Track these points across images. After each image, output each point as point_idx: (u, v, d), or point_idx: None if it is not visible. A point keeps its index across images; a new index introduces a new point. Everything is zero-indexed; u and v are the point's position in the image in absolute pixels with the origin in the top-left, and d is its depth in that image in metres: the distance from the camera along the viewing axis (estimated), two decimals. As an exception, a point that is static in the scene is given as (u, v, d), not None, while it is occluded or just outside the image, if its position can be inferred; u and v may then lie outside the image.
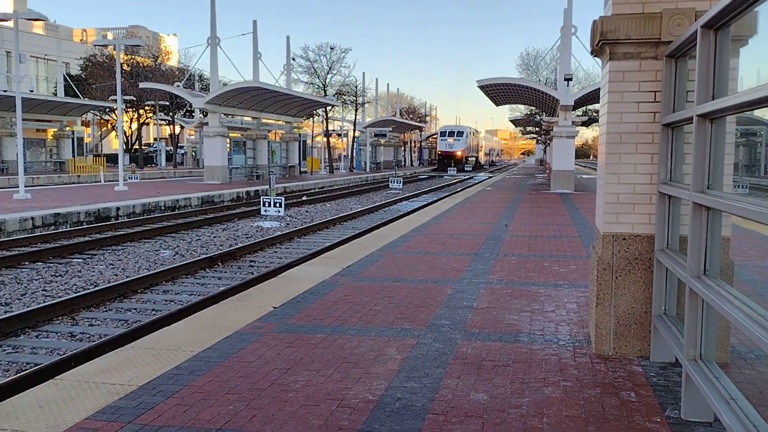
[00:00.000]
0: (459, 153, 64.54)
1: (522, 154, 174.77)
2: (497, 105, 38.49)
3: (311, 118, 55.58)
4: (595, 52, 5.05)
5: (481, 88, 28.77)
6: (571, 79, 26.03)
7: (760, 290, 7.30)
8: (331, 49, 51.14)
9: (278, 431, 3.62)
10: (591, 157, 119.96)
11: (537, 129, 58.98)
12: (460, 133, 66.16)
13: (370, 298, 6.87)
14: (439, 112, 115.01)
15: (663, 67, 4.55)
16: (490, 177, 47.96)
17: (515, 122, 63.20)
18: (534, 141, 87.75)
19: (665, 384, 4.30)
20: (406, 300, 6.82)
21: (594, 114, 42.29)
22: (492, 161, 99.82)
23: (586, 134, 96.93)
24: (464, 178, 50.83)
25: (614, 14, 4.69)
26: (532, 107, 46.18)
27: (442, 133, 67.99)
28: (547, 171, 42.41)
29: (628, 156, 4.76)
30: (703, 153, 3.50)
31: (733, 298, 3.00)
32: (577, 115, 34.07)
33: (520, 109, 56.54)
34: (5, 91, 35.90)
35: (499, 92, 31.68)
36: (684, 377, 3.68)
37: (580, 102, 29.84)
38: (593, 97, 26.97)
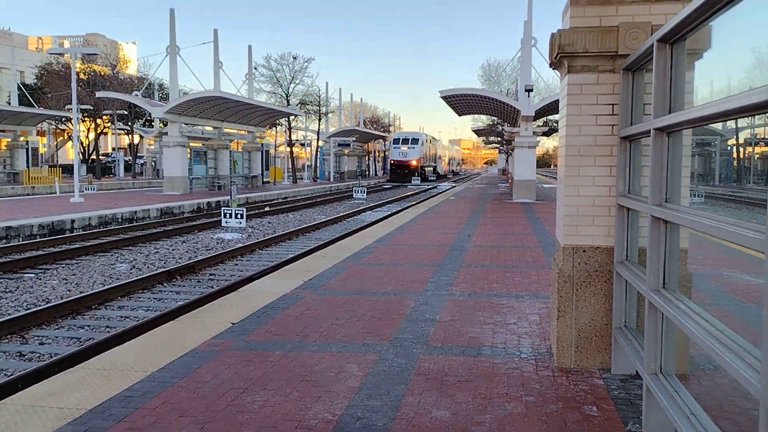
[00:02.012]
0: (414, 162, 59.21)
1: (485, 163, 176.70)
2: (460, 115, 38.80)
3: (274, 128, 55.23)
4: (554, 64, 5.07)
5: (444, 98, 28.96)
6: (531, 90, 26.37)
7: (717, 300, 7.42)
8: (294, 58, 50.95)
9: (234, 456, 3.48)
10: (552, 166, 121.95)
11: (499, 139, 59.68)
12: (415, 141, 60.63)
13: (331, 312, 6.76)
14: (402, 122, 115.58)
15: (620, 80, 4.58)
16: (454, 186, 48.26)
17: (478, 132, 63.86)
18: (497, 151, 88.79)
19: (627, 397, 4.29)
20: (368, 313, 6.73)
21: (554, 124, 42.98)
22: (453, 171, 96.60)
23: (547, 144, 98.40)
24: (428, 188, 51.03)
25: (572, 27, 4.71)
26: (495, 117, 46.72)
27: (395, 141, 61.95)
28: (509, 180, 42.88)
29: (587, 168, 4.77)
30: (661, 166, 3.51)
31: (692, 312, 3.00)
32: (538, 126, 34.54)
33: (483, 120, 57.17)
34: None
35: (461, 103, 31.94)
36: (645, 391, 3.67)
37: (541, 112, 30.26)
38: (553, 107, 27.38)
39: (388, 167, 65.38)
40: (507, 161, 67.27)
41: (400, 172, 58.97)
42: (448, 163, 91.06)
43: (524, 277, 8.91)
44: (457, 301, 7.34)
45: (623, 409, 4.08)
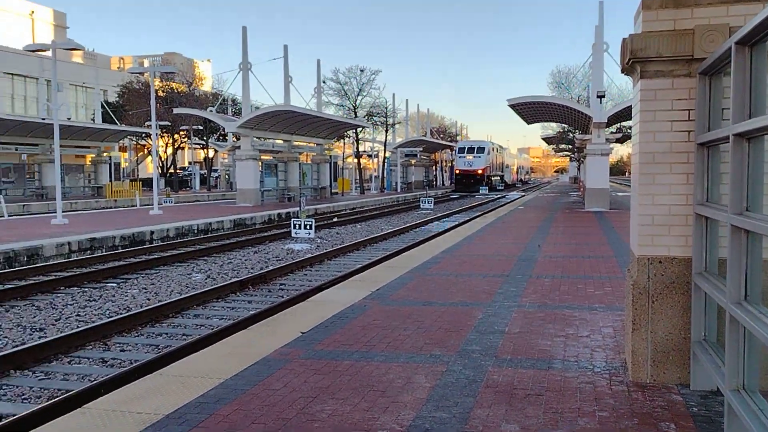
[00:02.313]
0: (480, 171, 57.49)
1: (555, 171, 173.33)
2: (528, 123, 38.26)
3: (342, 140, 55.98)
4: (626, 70, 4.94)
5: (512, 106, 28.63)
6: (603, 96, 25.74)
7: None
8: (361, 71, 51.55)
9: (303, 464, 3.54)
10: (626, 173, 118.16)
11: (570, 146, 58.41)
12: (481, 149, 58.91)
13: (399, 323, 6.78)
14: (469, 131, 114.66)
15: (697, 84, 4.42)
16: (523, 196, 47.52)
17: (547, 140, 62.73)
18: (567, 159, 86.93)
19: (707, 414, 4.11)
20: (435, 324, 6.70)
21: (628, 131, 41.72)
22: (521, 180, 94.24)
23: (621, 151, 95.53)
24: (496, 197, 50.45)
25: (644, 32, 4.58)
26: (565, 125, 45.79)
27: (461, 150, 60.41)
28: (581, 189, 41.86)
29: (663, 176, 4.61)
30: (741, 173, 3.36)
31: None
32: (611, 132, 33.61)
33: (553, 127, 56.11)
34: (44, 118, 36.93)
35: (530, 110, 31.49)
36: (726, 408, 3.50)
37: (614, 119, 29.45)
38: (627, 113, 26.61)
39: (454, 177, 64.44)
40: (578, 169, 65.62)
41: (466, 182, 57.61)
42: (517, 172, 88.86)
43: (597, 288, 8.67)
44: (527, 312, 7.22)
45: (703, 427, 3.90)
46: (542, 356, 5.50)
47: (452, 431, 3.94)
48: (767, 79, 3.36)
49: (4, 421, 5.22)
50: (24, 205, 32.30)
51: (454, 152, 63.69)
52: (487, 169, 58.79)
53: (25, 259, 14.28)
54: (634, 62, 4.64)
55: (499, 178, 67.01)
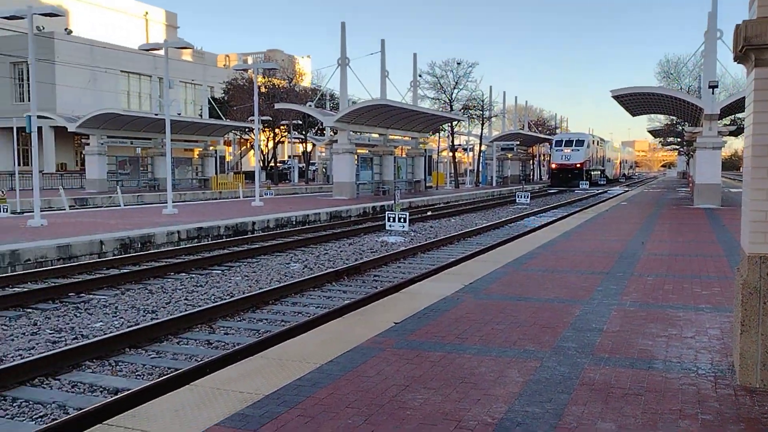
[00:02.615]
0: (578, 165, 54.70)
1: (662, 166, 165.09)
2: (633, 115, 36.63)
3: (437, 134, 55.87)
4: (739, 58, 4.66)
5: (616, 98, 27.50)
6: (716, 87, 24.22)
7: None
8: (458, 64, 51.16)
9: (395, 449, 3.61)
10: (740, 168, 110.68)
11: (678, 140, 55.40)
12: (580, 142, 56.05)
13: (492, 317, 6.74)
14: (570, 124, 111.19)
15: (819, 71, 4.11)
16: (626, 191, 45.66)
17: (654, 133, 59.78)
18: (675, 152, 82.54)
19: (824, 425, 3.84)
20: (530, 320, 6.62)
21: (743, 123, 39.09)
22: (624, 174, 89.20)
23: (735, 144, 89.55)
24: (597, 192, 48.72)
25: (760, 17, 4.31)
26: (673, 117, 43.51)
27: (557, 143, 57.61)
28: (690, 184, 39.69)
29: (778, 170, 4.33)
30: None
31: None
32: (724, 125, 31.63)
33: (660, 119, 53.43)
34: (156, 114, 39.24)
35: (635, 102, 30.14)
36: None
37: (727, 110, 27.67)
38: (742, 105, 24.91)
39: (549, 171, 61.90)
40: (687, 164, 62.17)
41: (563, 177, 55.19)
42: (620, 167, 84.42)
43: (704, 288, 8.24)
44: (627, 311, 6.97)
45: (820, 438, 3.65)
46: (642, 356, 5.31)
47: (545, 426, 3.89)
48: None
49: (119, 395, 5.65)
50: (138, 196, 34.51)
51: (550, 145, 60.83)
52: (585, 163, 55.91)
53: (139, 245, 15.28)
54: (748, 50, 4.38)
55: (599, 172, 63.60)
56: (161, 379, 5.99)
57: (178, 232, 16.59)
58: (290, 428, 3.91)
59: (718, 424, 3.88)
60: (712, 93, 23.66)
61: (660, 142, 70.81)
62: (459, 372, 4.97)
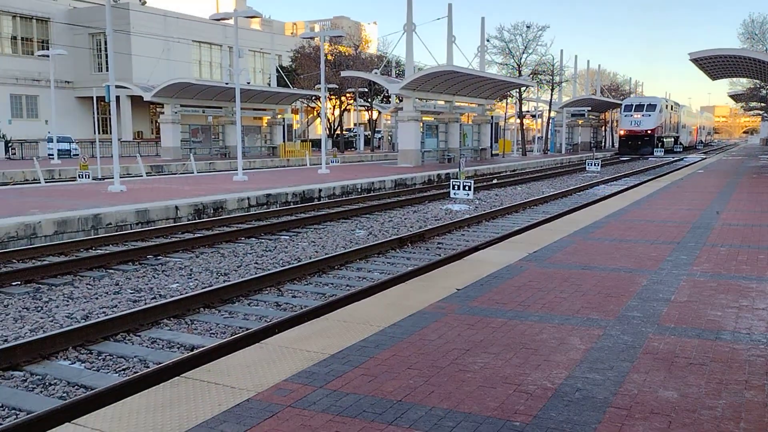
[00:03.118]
0: (648, 131, 51.53)
1: (744, 132, 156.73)
2: (713, 79, 34.92)
3: (504, 100, 54.84)
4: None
5: (694, 61, 26.28)
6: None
7: None
8: (528, 27, 49.89)
9: (454, 409, 3.73)
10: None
11: (762, 104, 52.42)
12: (651, 107, 52.59)
13: (555, 285, 6.72)
14: (645, 89, 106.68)
15: None
16: (704, 159, 43.76)
17: (735, 98, 56.82)
18: (759, 118, 78.15)
19: None
20: (594, 289, 6.56)
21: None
22: (702, 141, 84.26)
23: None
24: (672, 160, 46.88)
25: None
26: (757, 80, 41.16)
27: (627, 108, 54.11)
28: (773, 152, 37.62)
29: None
30: None
31: None
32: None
33: (743, 83, 50.64)
34: (227, 83, 40.09)
35: (715, 65, 28.69)
36: None
37: (817, 72, 26.00)
38: (833, 66, 23.33)
39: (618, 138, 57.93)
40: (771, 130, 58.84)
41: (632, 144, 51.94)
42: (697, 133, 79.74)
43: (781, 259, 7.93)
44: (697, 281, 6.81)
45: None
46: (710, 327, 5.21)
47: (605, 393, 3.92)
48: None
49: (195, 351, 5.99)
50: (210, 163, 35.58)
51: (620, 110, 57.04)
52: (657, 129, 52.58)
53: (212, 211, 15.85)
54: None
55: (672, 139, 60.05)
56: (233, 337, 6.31)
57: (248, 198, 17.10)
58: (354, 386, 4.08)
59: (786, 396, 3.81)
60: (801, 54, 22.21)
61: (742, 107, 67.20)
62: (520, 338, 5.02)
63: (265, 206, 17.47)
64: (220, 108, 43.04)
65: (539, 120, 61.51)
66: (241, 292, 8.33)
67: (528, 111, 60.30)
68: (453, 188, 18.63)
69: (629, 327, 5.24)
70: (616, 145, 71.19)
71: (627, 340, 4.92)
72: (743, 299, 6.04)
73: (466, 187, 18.35)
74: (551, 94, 56.27)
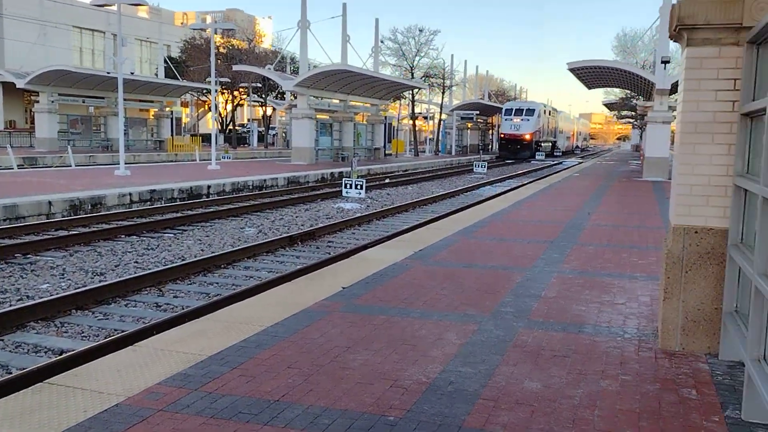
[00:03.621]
0: (527, 136, 52.24)
1: (617, 139, 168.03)
2: (589, 88, 37.22)
3: (398, 101, 55.74)
4: (674, 37, 4.85)
5: (572, 70, 27.91)
6: (668, 62, 24.72)
7: None
8: (420, 31, 51.00)
9: (331, 406, 3.77)
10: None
11: (633, 113, 56.49)
12: (530, 112, 53.41)
13: (437, 283, 6.94)
14: (530, 95, 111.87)
15: (744, 53, 4.32)
16: (580, 163, 46.59)
17: (609, 106, 60.81)
18: (630, 126, 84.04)
19: (730, 383, 4.14)
20: (473, 286, 6.84)
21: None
22: (578, 146, 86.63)
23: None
24: (552, 163, 49.52)
25: (693, -3, 4.48)
26: (628, 91, 44.31)
27: (507, 112, 54.33)
28: (642, 157, 40.67)
29: (704, 146, 4.56)
30: (776, 145, 3.33)
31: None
32: (676, 100, 32.41)
33: (615, 93, 54.32)
34: (109, 72, 38.05)
35: (590, 75, 30.61)
36: (746, 377, 3.55)
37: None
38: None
39: (498, 141, 58.03)
40: (641, 137, 63.43)
41: (511, 147, 52.37)
42: (574, 138, 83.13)
43: (641, 258, 8.60)
44: (566, 278, 7.26)
45: (725, 395, 3.95)
46: (575, 320, 5.58)
47: (475, 385, 4.10)
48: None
49: (62, 356, 5.67)
50: (90, 156, 33.67)
51: (501, 114, 56.90)
52: (536, 133, 53.57)
53: (90, 207, 15.03)
54: (681, 29, 4.56)
55: (550, 144, 61.28)
56: (105, 340, 6.03)
57: (130, 194, 16.35)
58: (231, 387, 4.03)
59: (635, 383, 4.15)
60: (665, 68, 24.18)
61: (615, 115, 72.03)
62: (400, 335, 5.15)
63: (148, 203, 16.78)
64: (103, 98, 40.85)
65: (431, 122, 63.06)
66: (118, 293, 7.97)
67: (420, 113, 61.62)
68: (345, 187, 18.73)
69: (502, 322, 5.51)
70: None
71: (499, 334, 5.17)
72: (606, 295, 6.51)
73: (358, 186, 18.52)
74: (442, 97, 57.83)
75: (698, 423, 3.58)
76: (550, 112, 61.78)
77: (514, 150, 52.03)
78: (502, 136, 54.01)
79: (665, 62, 23.87)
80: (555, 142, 63.89)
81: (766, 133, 3.38)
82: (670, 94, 25.83)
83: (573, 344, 4.94)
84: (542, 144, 56.63)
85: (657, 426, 3.54)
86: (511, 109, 54.75)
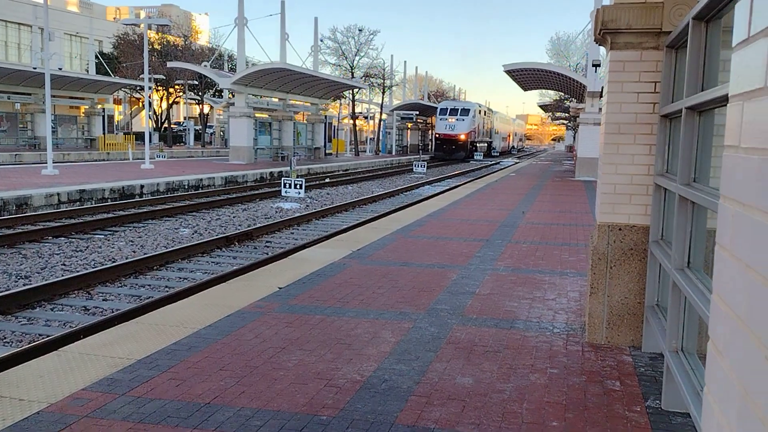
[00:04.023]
0: (462, 137, 51.03)
1: (552, 140, 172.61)
2: (525, 90, 38.10)
3: (338, 101, 55.62)
4: (598, 40, 5.02)
5: (508, 72, 28.51)
6: (599, 65, 25.57)
7: None
8: (360, 31, 51.00)
9: (264, 408, 3.73)
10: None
11: (566, 115, 58.17)
12: (465, 112, 52.18)
13: (374, 282, 6.96)
14: (468, 96, 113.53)
15: (663, 57, 4.51)
16: (517, 163, 47.60)
17: (544, 108, 62.42)
18: (564, 127, 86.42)
19: (652, 374, 4.32)
20: (409, 284, 6.89)
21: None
22: (514, 147, 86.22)
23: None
24: (490, 163, 50.43)
25: (616, 3, 4.65)
26: (561, 93, 45.60)
27: (442, 111, 53.00)
28: (575, 158, 41.91)
29: (626, 146, 4.74)
30: (690, 146, 3.49)
31: (707, 292, 3.01)
32: (606, 102, 33.49)
33: (551, 95, 55.81)
34: (35, 68, 36.49)
35: (526, 77, 31.34)
36: (665, 368, 3.71)
37: (609, 88, 29.35)
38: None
39: (433, 141, 56.44)
40: (574, 138, 65.32)
41: (447, 148, 51.09)
42: (510, 139, 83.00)
43: (572, 255, 8.87)
44: (500, 275, 7.41)
45: (646, 385, 4.12)
46: (506, 316, 5.70)
47: (409, 382, 4.14)
48: (721, 54, 3.47)
49: (-15, 362, 5.41)
50: (16, 155, 32.20)
51: (436, 114, 55.15)
52: (471, 134, 52.43)
53: (14, 208, 14.38)
54: (605, 33, 4.72)
55: (486, 144, 60.09)
56: (29, 345, 5.79)
57: (58, 194, 15.73)
58: (160, 391, 3.93)
59: (563, 376, 4.28)
60: (596, 71, 24.99)
61: (550, 116, 73.96)
62: (336, 334, 5.14)
63: (78, 203, 16.18)
64: (30, 95, 39.12)
65: (372, 122, 63.17)
66: (44, 297, 7.66)
67: (361, 113, 61.64)
68: (284, 186, 18.56)
69: (437, 319, 5.57)
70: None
71: (434, 331, 5.24)
72: (537, 291, 6.68)
73: (298, 186, 18.38)
74: (383, 97, 58.04)
75: (621, 413, 3.72)
76: (485, 112, 60.87)
77: (449, 150, 51.06)
78: (437, 136, 52.88)
79: (596, 65, 24.68)
80: (491, 142, 63.55)
81: (681, 134, 3.53)
82: (600, 97, 26.72)
83: (505, 339, 5.05)
84: (478, 144, 55.89)
85: (582, 417, 3.66)
86: (446, 109, 53.56)
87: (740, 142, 1.10)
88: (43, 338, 6.23)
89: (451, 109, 53.08)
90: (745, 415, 0.95)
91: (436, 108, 60.91)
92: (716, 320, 1.19)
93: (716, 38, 3.38)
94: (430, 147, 74.19)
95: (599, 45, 5.18)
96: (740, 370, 0.99)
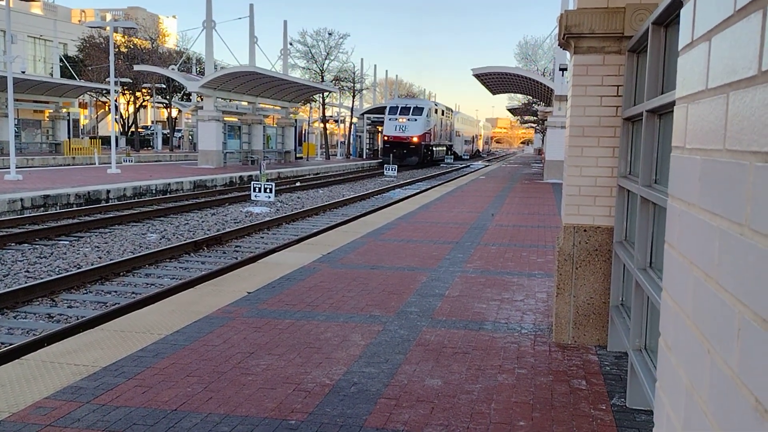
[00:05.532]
0: (415, 139, 43.64)
1: (522, 143, 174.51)
2: (494, 94, 38.45)
3: (309, 104, 55.44)
4: (562, 45, 5.10)
5: (477, 76, 28.75)
6: (566, 69, 25.96)
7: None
8: (330, 34, 50.91)
9: (232, 413, 3.70)
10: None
11: (534, 118, 58.84)
12: (418, 111, 44.53)
13: (344, 285, 6.96)
14: (439, 99, 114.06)
15: (625, 61, 4.60)
16: (487, 166, 48.01)
17: (513, 111, 63.06)
18: (533, 130, 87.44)
19: (617, 373, 4.39)
20: (379, 287, 6.90)
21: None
22: (479, 150, 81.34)
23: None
24: (461, 166, 50.78)
25: (579, 8, 4.74)
26: (530, 96, 46.13)
27: (392, 110, 45.18)
28: (543, 161, 42.39)
29: (591, 149, 4.82)
30: (651, 148, 3.57)
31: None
32: (573, 106, 33.99)
33: (519, 98, 56.39)
34: (-2, 71, 35.68)
35: (494, 81, 31.65)
36: (629, 366, 3.78)
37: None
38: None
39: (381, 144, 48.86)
40: (542, 141, 66.07)
41: (397, 152, 42.47)
42: (475, 142, 78.49)
43: (540, 256, 8.97)
44: (469, 277, 7.47)
45: (612, 384, 4.19)
46: (475, 318, 5.75)
47: (378, 385, 4.15)
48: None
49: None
50: (-23, 160, 31.45)
51: (385, 113, 47.01)
52: (426, 136, 45.06)
53: (-25, 214, 14.03)
54: (568, 37, 4.80)
55: (444, 149, 53.08)
56: (-9, 355, 5.65)
57: (22, 199, 15.40)
58: (126, 398, 3.88)
59: (530, 376, 4.33)
60: (562, 75, 25.32)
61: (519, 120, 74.70)
62: (305, 338, 5.13)
63: (42, 208, 15.86)
64: (-9, 98, 38.22)
65: (342, 125, 63.09)
66: (6, 304, 7.48)
67: (332, 116, 61.52)
68: (254, 190, 18.42)
69: (406, 322, 5.59)
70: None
71: (403, 334, 5.25)
72: (505, 292, 6.75)
73: (267, 190, 18.26)
74: (353, 101, 58.01)
75: (587, 411, 3.77)
76: (443, 111, 52.64)
77: (400, 155, 42.80)
78: (386, 138, 44.86)
79: (563, 69, 25.02)
80: (451, 146, 56.30)
81: (643, 137, 3.61)
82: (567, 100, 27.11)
83: (473, 341, 5.09)
84: (435, 148, 49.14)
85: (549, 416, 3.71)
86: (396, 107, 45.55)
87: (685, 143, 1.14)
88: (5, 346, 6.09)
89: (401, 107, 45.36)
90: (690, 408, 0.98)
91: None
92: (666, 316, 1.22)
93: (675, 42, 3.46)
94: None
95: (563, 49, 5.26)
96: (686, 364, 1.02)
